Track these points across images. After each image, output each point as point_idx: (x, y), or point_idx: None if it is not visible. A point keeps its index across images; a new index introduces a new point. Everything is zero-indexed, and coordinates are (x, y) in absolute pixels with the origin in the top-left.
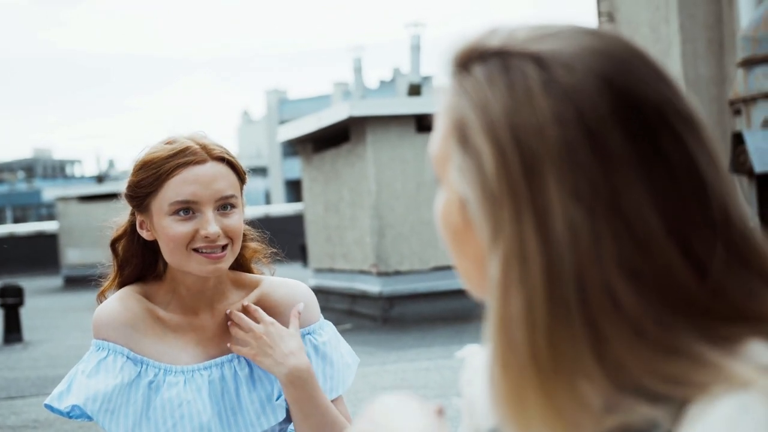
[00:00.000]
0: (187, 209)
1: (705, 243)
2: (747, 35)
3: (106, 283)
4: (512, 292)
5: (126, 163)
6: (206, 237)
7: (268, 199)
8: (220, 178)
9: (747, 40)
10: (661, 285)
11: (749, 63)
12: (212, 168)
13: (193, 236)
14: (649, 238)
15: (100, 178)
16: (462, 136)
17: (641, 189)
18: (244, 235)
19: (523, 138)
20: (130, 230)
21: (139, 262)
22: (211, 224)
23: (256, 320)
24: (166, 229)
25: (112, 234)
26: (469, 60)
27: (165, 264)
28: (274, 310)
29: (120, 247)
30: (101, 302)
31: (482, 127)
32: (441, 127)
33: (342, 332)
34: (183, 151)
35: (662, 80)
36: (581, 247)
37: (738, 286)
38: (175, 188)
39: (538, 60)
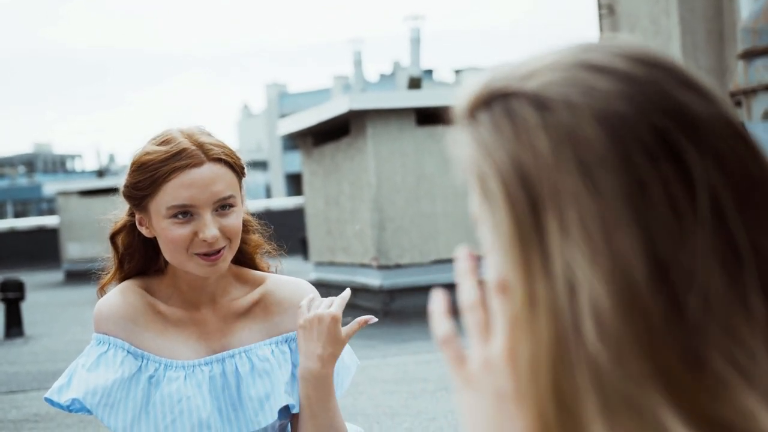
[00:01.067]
0: (185, 212)
1: (686, 285)
2: (747, 27)
3: (106, 277)
4: (521, 342)
5: (126, 157)
6: (204, 241)
7: (268, 193)
8: (218, 180)
9: (747, 32)
10: (639, 342)
11: (749, 55)
12: (209, 170)
13: (192, 239)
14: (633, 285)
15: (100, 173)
16: (484, 190)
17: (632, 228)
18: (247, 226)
19: (529, 182)
20: (130, 225)
21: (141, 256)
22: (209, 228)
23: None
24: (165, 231)
25: (111, 228)
26: (476, 108)
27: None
28: (277, 307)
29: (119, 241)
30: (102, 296)
31: (495, 176)
32: (471, 185)
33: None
34: (179, 154)
35: (674, 88)
36: (576, 293)
37: (726, 347)
38: (173, 192)
39: (537, 100)
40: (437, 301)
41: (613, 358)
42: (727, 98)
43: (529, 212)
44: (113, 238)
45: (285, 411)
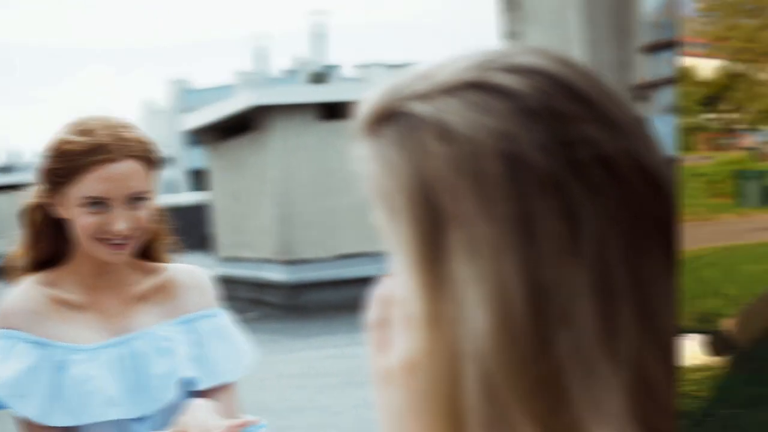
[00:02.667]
0: (98, 203)
1: (560, 323)
2: (650, 21)
3: (18, 254)
4: (421, 361)
5: (32, 154)
6: (113, 232)
7: (171, 189)
8: (134, 176)
9: (650, 26)
10: (508, 373)
11: (652, 48)
12: (127, 166)
13: (102, 228)
14: (509, 311)
15: (5, 169)
16: (389, 206)
17: (517, 255)
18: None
19: (433, 201)
20: (44, 204)
21: (52, 234)
22: (120, 221)
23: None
24: (77, 218)
25: (25, 204)
26: (378, 123)
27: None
28: (176, 291)
29: (33, 218)
30: (11, 276)
31: (400, 193)
32: (375, 200)
33: (248, 321)
34: (99, 148)
35: (578, 119)
36: (463, 314)
37: (587, 387)
38: (89, 184)
39: (438, 127)
40: (381, 288)
41: (484, 389)
42: (637, 116)
43: (432, 231)
44: (27, 214)
45: (188, 392)
